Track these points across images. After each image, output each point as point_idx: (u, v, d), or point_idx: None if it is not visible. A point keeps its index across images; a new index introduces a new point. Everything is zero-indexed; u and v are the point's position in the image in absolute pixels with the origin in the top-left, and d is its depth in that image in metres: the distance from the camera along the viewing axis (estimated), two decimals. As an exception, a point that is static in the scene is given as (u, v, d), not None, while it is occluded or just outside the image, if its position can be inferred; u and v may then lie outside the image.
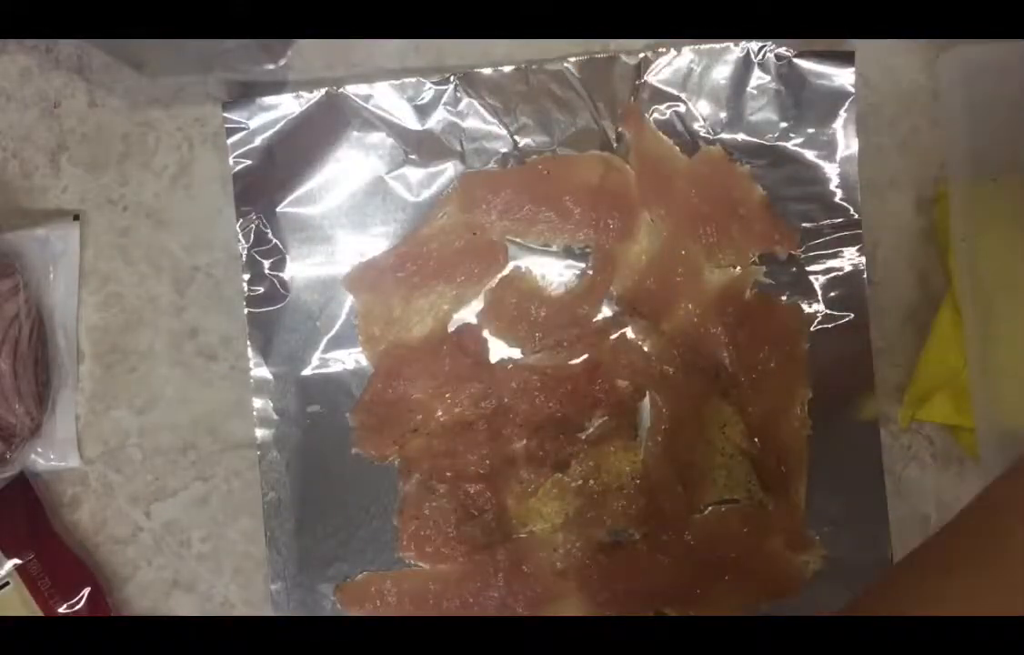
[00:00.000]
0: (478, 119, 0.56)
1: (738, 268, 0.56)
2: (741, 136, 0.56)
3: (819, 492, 0.55)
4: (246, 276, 0.57)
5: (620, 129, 0.56)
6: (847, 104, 0.55)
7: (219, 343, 0.58)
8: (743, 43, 0.55)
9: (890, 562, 0.54)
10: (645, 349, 0.56)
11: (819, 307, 0.56)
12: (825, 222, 0.56)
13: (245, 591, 0.57)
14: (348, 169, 0.57)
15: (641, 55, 0.56)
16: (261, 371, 0.56)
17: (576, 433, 0.56)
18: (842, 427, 0.55)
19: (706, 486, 0.55)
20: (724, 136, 0.56)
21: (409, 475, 0.56)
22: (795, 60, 0.55)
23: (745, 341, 0.55)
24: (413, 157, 0.57)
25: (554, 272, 0.57)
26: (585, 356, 0.56)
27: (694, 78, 0.56)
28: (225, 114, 0.56)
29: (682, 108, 0.56)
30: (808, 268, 0.56)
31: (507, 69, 0.56)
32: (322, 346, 0.57)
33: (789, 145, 0.56)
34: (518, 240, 0.57)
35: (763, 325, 0.55)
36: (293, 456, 0.56)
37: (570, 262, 0.57)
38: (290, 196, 0.57)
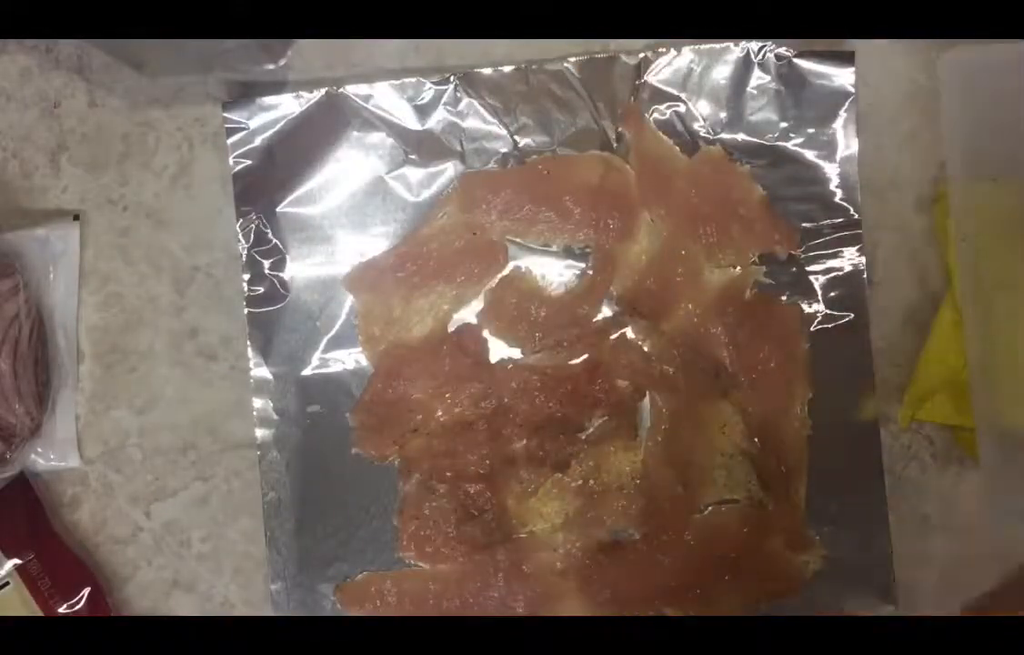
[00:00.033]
0: (478, 119, 0.56)
1: (738, 268, 0.56)
2: (741, 136, 0.56)
3: (819, 492, 0.55)
4: (246, 276, 0.57)
5: (620, 129, 0.56)
6: (847, 104, 0.55)
7: (219, 343, 0.58)
8: (743, 43, 0.55)
9: (890, 562, 0.54)
10: (645, 349, 0.56)
11: (819, 307, 0.56)
12: (825, 222, 0.56)
13: (245, 591, 0.57)
14: (348, 169, 0.57)
15: (641, 55, 0.56)
16: (261, 371, 0.56)
17: (576, 433, 0.56)
18: (842, 427, 0.55)
19: (706, 486, 0.55)
20: (724, 136, 0.56)
21: (409, 475, 0.56)
22: (795, 60, 0.55)
23: (745, 341, 0.55)
24: (413, 157, 0.57)
25: (554, 272, 0.57)
26: (585, 356, 0.56)
27: (694, 78, 0.56)
28: (225, 114, 0.56)
29: (682, 108, 0.56)
30: (808, 268, 0.56)
31: (507, 69, 0.56)
32: (322, 346, 0.57)
33: (789, 145, 0.56)
34: (518, 240, 0.57)
35: (763, 325, 0.55)
36: (293, 456, 0.56)
37: (570, 262, 0.57)
38: (290, 196, 0.57)
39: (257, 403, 0.56)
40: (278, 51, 0.55)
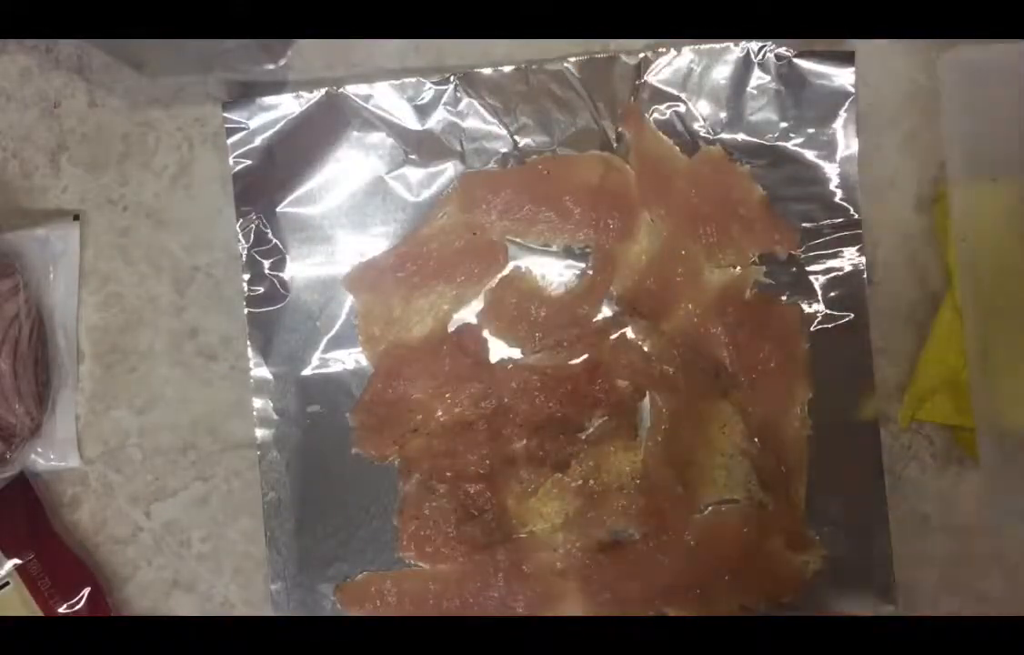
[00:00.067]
0: (478, 119, 0.56)
1: (738, 268, 0.56)
2: (741, 136, 0.56)
3: (819, 492, 0.55)
4: (246, 276, 0.57)
5: (620, 129, 0.56)
6: (847, 104, 0.55)
7: (219, 343, 0.58)
8: (743, 43, 0.55)
9: (890, 562, 0.54)
10: (645, 349, 0.56)
11: (819, 307, 0.56)
12: (825, 222, 0.56)
13: (245, 591, 0.57)
14: (348, 169, 0.57)
15: (641, 55, 0.56)
16: (261, 371, 0.56)
17: (576, 433, 0.56)
18: (842, 427, 0.55)
19: (706, 486, 0.55)
20: (724, 136, 0.56)
21: (409, 475, 0.56)
22: (795, 60, 0.55)
23: (745, 341, 0.55)
24: (413, 157, 0.57)
25: (554, 272, 0.57)
26: (585, 356, 0.56)
27: (694, 78, 0.56)
28: (225, 114, 0.56)
29: (682, 108, 0.56)
30: (808, 268, 0.56)
31: (507, 69, 0.56)
32: (322, 346, 0.57)
33: (789, 145, 0.56)
34: (518, 240, 0.57)
35: (763, 325, 0.55)
36: (293, 456, 0.56)
37: (570, 262, 0.57)
38: (290, 196, 0.57)
39: (257, 403, 0.56)
40: (278, 51, 0.55)
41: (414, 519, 0.56)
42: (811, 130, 0.56)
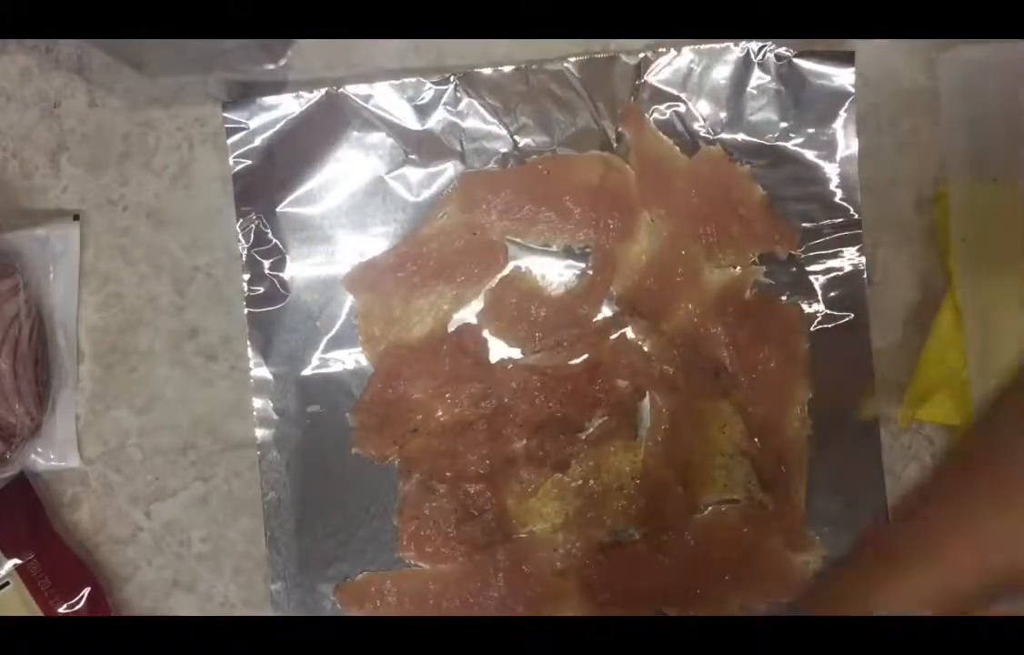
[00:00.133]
0: (478, 119, 0.56)
1: (738, 268, 0.56)
2: (741, 136, 0.56)
3: (819, 492, 0.55)
4: (246, 276, 0.57)
5: (620, 129, 0.56)
6: (847, 104, 0.55)
7: (219, 343, 0.58)
8: (743, 43, 0.55)
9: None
10: (645, 349, 0.56)
11: (819, 307, 0.56)
12: (825, 222, 0.56)
13: (245, 591, 0.57)
14: (348, 169, 0.57)
15: (641, 55, 0.56)
16: (261, 371, 0.56)
17: (576, 433, 0.56)
18: (842, 427, 0.55)
19: (706, 486, 0.55)
20: (724, 136, 0.56)
21: (409, 475, 0.56)
22: (795, 60, 0.55)
23: (745, 341, 0.55)
24: (413, 157, 0.57)
25: (554, 272, 0.57)
26: (585, 356, 0.56)
27: (694, 78, 0.56)
28: (225, 114, 0.56)
29: (682, 108, 0.56)
30: (808, 268, 0.56)
31: (507, 69, 0.56)
32: (322, 346, 0.57)
33: (789, 145, 0.56)
34: (518, 240, 0.57)
35: (763, 325, 0.55)
36: (293, 456, 0.56)
37: (570, 262, 0.57)
38: (290, 196, 0.57)
39: (257, 403, 0.56)
40: (278, 51, 0.55)
41: (414, 519, 0.56)
42: (811, 130, 0.56)
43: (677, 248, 0.56)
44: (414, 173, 0.57)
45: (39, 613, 0.54)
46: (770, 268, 0.56)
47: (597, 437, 0.56)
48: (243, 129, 0.56)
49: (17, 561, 0.55)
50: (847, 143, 0.56)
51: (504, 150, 0.56)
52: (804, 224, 0.56)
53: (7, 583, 0.55)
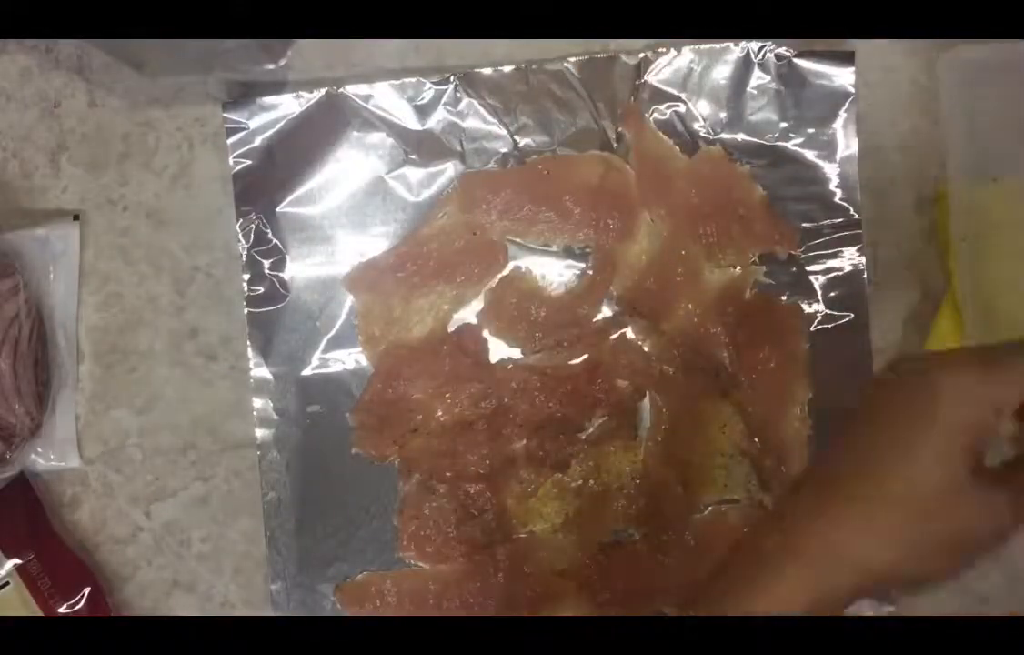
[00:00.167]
0: (478, 119, 0.56)
1: (738, 268, 0.56)
2: (741, 136, 0.56)
3: (819, 492, 0.55)
4: (246, 276, 0.57)
5: (620, 129, 0.56)
6: (847, 104, 0.55)
7: (219, 343, 0.58)
8: (743, 43, 0.55)
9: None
10: (645, 349, 0.56)
11: (819, 307, 0.56)
12: (825, 222, 0.56)
13: (245, 591, 0.57)
14: (348, 169, 0.57)
15: (641, 55, 0.56)
16: (261, 371, 0.56)
17: (576, 433, 0.56)
18: (842, 427, 0.55)
19: (706, 486, 0.55)
20: (724, 136, 0.56)
21: (409, 475, 0.56)
22: (795, 60, 0.55)
23: (745, 341, 0.55)
24: (413, 157, 0.57)
25: (554, 272, 0.57)
26: (585, 356, 0.56)
27: (694, 78, 0.56)
28: (225, 114, 0.56)
29: (682, 108, 0.56)
30: (808, 268, 0.56)
31: (507, 69, 0.56)
32: (322, 346, 0.57)
33: (789, 145, 0.56)
34: (518, 240, 0.57)
35: (763, 325, 0.55)
36: (293, 456, 0.56)
37: (570, 262, 0.57)
38: (290, 196, 0.57)
39: (257, 403, 0.56)
40: (278, 51, 0.55)
41: (414, 519, 0.56)
42: (811, 130, 0.56)
43: (677, 248, 0.56)
44: (414, 173, 0.57)
45: (39, 613, 0.54)
46: (770, 268, 0.56)
47: (597, 437, 0.56)
48: (243, 129, 0.56)
49: (17, 561, 0.55)
50: (847, 143, 0.56)
51: (504, 150, 0.56)
52: (804, 224, 0.56)
53: (7, 583, 0.55)
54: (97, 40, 0.52)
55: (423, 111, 0.56)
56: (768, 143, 0.56)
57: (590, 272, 0.56)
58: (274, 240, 0.56)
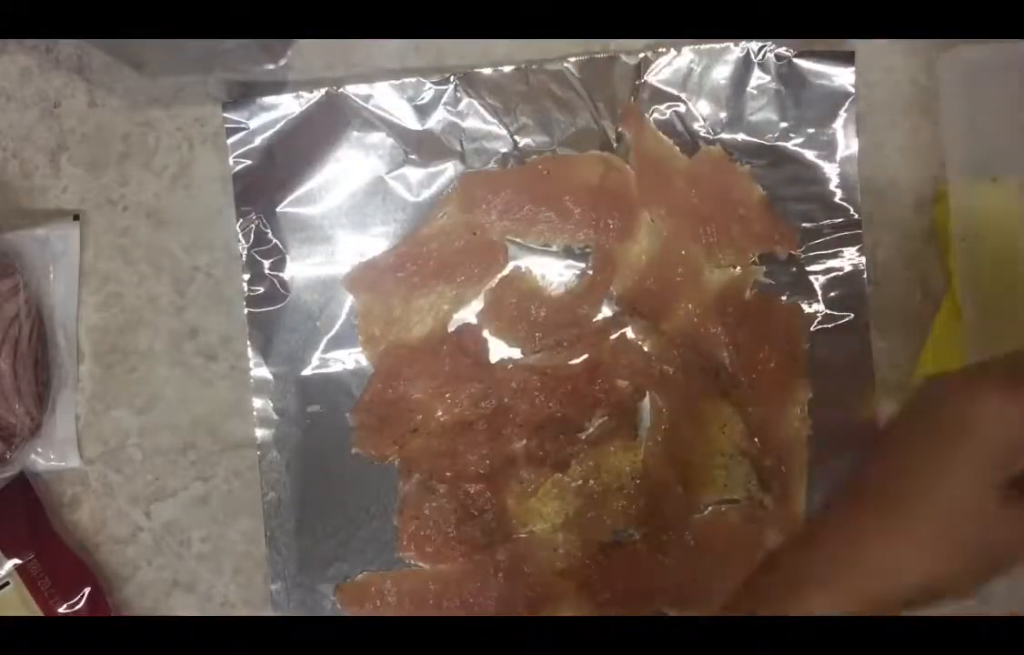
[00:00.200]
0: (478, 119, 0.56)
1: (738, 268, 0.56)
2: (741, 136, 0.56)
3: (819, 492, 0.55)
4: (246, 276, 0.57)
5: (620, 129, 0.56)
6: (847, 104, 0.55)
7: (219, 343, 0.58)
8: (743, 43, 0.55)
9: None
10: (645, 349, 0.56)
11: (819, 307, 0.56)
12: (825, 222, 0.56)
13: (245, 591, 0.57)
14: (348, 169, 0.57)
15: (641, 55, 0.56)
16: (261, 371, 0.56)
17: (576, 433, 0.56)
18: (842, 427, 0.55)
19: (706, 486, 0.55)
20: (724, 136, 0.56)
21: (409, 475, 0.56)
22: (795, 60, 0.55)
23: (745, 341, 0.55)
24: (413, 157, 0.57)
25: (554, 272, 0.57)
26: (585, 356, 0.56)
27: (694, 78, 0.56)
28: (225, 114, 0.56)
29: (682, 108, 0.56)
30: (808, 268, 0.56)
31: (507, 69, 0.56)
32: (322, 346, 0.57)
33: (789, 145, 0.56)
34: (518, 240, 0.57)
35: (763, 325, 0.55)
36: (293, 456, 0.56)
37: (570, 262, 0.57)
38: (290, 196, 0.57)
39: (257, 403, 0.56)
40: (278, 51, 0.55)
41: (414, 519, 0.56)
42: (811, 130, 0.56)
43: (677, 248, 0.56)
44: (414, 173, 0.57)
45: (39, 613, 0.54)
46: (770, 268, 0.56)
47: (597, 437, 0.56)
48: (243, 129, 0.56)
49: (17, 561, 0.55)
50: (847, 143, 0.56)
51: (504, 150, 0.56)
52: (804, 224, 0.56)
53: (7, 583, 0.55)
54: (97, 40, 0.52)
55: (423, 111, 0.56)
56: (768, 143, 0.56)
57: (590, 272, 0.56)
58: (274, 240, 0.56)
